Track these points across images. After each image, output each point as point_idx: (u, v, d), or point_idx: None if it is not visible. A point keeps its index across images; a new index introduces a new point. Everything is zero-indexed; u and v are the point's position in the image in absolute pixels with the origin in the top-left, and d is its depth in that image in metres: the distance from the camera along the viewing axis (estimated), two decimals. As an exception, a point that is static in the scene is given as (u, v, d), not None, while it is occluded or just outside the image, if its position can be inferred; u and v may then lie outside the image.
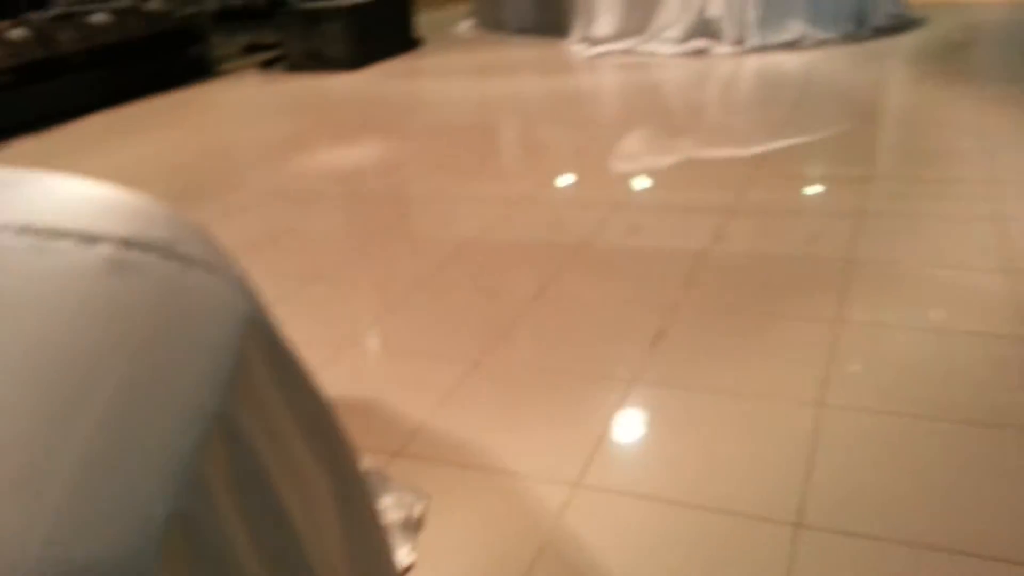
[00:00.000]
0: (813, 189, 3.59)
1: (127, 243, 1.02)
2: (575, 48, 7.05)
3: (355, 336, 2.66)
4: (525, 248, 3.20)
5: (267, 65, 7.74)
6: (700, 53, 6.28)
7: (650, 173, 4.00)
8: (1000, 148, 3.70)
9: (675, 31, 6.43)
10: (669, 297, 2.66)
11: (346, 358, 2.50)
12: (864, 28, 6.32)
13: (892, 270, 2.71)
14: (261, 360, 1.11)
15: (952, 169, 3.55)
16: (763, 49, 6.13)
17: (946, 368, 2.14)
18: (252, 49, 8.67)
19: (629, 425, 2.06)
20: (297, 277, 3.11)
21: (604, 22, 6.95)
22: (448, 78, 6.84)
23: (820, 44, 6.13)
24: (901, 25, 6.46)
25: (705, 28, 6.33)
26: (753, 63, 5.94)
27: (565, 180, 4.04)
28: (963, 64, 5.61)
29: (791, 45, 6.14)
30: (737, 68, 5.92)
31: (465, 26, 9.05)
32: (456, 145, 4.76)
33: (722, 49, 6.22)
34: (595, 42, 6.93)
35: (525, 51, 7.53)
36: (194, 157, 5.05)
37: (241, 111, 6.41)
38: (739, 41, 6.22)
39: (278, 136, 5.40)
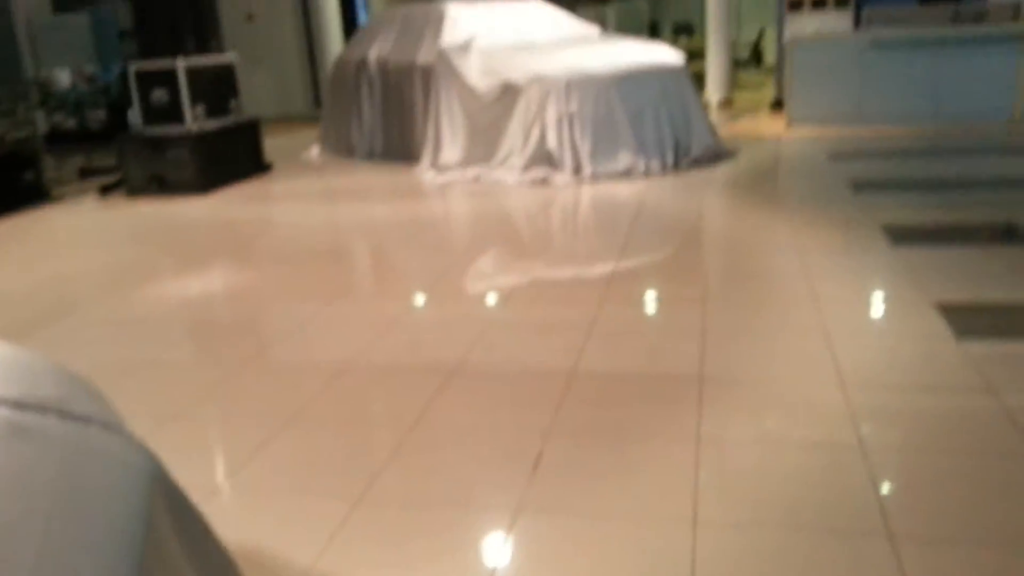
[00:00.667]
0: (657, 309, 3.85)
1: (20, 405, 0.99)
2: (424, 174, 7.28)
3: (229, 477, 2.55)
4: (393, 374, 3.21)
5: (106, 190, 7.47)
6: (542, 181, 6.65)
7: (506, 294, 4.15)
8: (814, 267, 4.12)
9: (518, 160, 6.80)
10: (541, 420, 2.74)
11: (222, 502, 2.39)
12: (685, 159, 6.93)
13: (739, 387, 2.92)
14: (166, 518, 1.08)
15: (777, 289, 3.92)
16: (598, 178, 6.58)
17: (802, 478, 2.32)
18: (88, 173, 8.36)
19: (516, 557, 2.08)
20: (151, 416, 2.96)
21: (451, 150, 7.26)
22: (299, 203, 6.86)
23: (648, 174, 6.65)
24: (716, 157, 7.13)
25: (545, 158, 6.73)
26: (590, 191, 6.36)
27: (424, 304, 4.11)
28: (774, 191, 6.25)
29: (623, 174, 6.63)
30: (577, 195, 6.30)
31: (315, 151, 9.15)
32: (311, 271, 4.75)
33: (562, 178, 6.63)
34: (443, 169, 7.20)
35: (375, 177, 7.69)
36: (28, 288, 4.75)
37: (80, 238, 6.12)
38: (577, 170, 6.65)
39: (120, 264, 5.18)
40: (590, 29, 8.40)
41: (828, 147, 7.28)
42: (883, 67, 7.89)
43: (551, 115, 6.72)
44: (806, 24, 9.03)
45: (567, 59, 6.96)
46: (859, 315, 3.56)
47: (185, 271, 4.97)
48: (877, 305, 3.67)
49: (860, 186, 5.77)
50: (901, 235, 4.53)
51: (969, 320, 3.34)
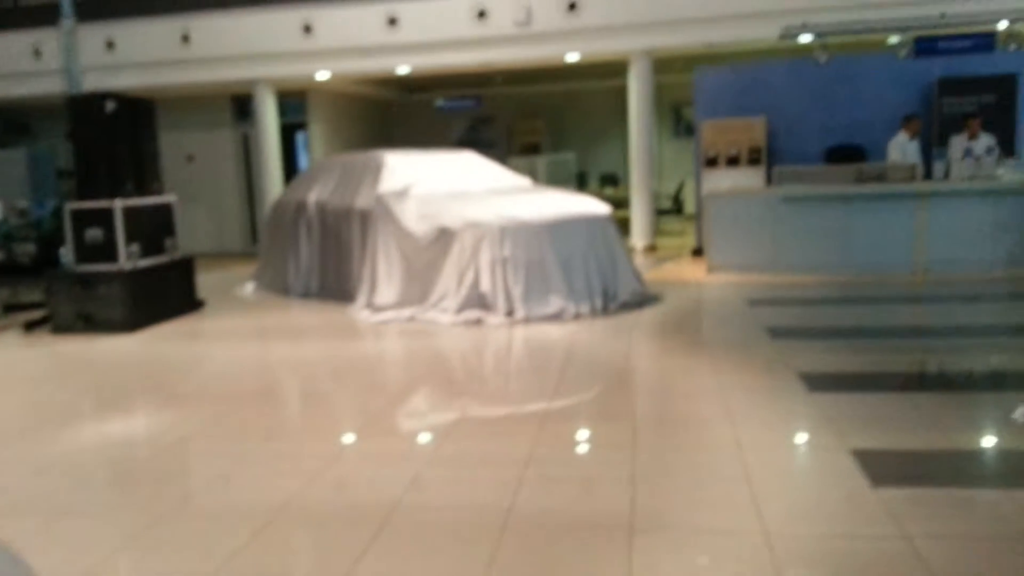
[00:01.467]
0: (589, 452, 3.89)
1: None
2: (359, 314, 7.33)
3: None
4: (324, 522, 3.14)
5: (31, 326, 7.28)
6: (476, 322, 6.77)
7: (440, 434, 4.15)
8: (737, 412, 4.24)
9: (452, 302, 6.92)
10: (481, 567, 2.70)
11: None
12: (612, 303, 7.16)
13: (668, 532, 2.95)
14: None
15: (702, 434, 4.01)
16: (530, 320, 6.73)
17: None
18: (13, 308, 8.15)
19: None
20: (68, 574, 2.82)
21: (387, 291, 7.35)
22: (231, 341, 6.79)
23: (578, 317, 6.84)
24: (642, 301, 7.39)
25: (479, 300, 6.87)
26: (522, 333, 6.48)
27: (357, 444, 4.06)
28: (697, 335, 6.47)
29: (554, 317, 6.80)
30: (509, 337, 6.41)
31: (249, 288, 9.14)
32: (240, 412, 4.67)
33: (495, 319, 6.75)
34: (378, 309, 7.26)
35: (310, 315, 7.70)
36: (-60, 429, 4.53)
37: (1, 376, 5.91)
38: (509, 312, 6.80)
39: (40, 404, 5.00)
40: (522, 180, 8.79)
41: (747, 293, 7.62)
42: (795, 220, 8.41)
43: (485, 259, 6.91)
44: (721, 179, 9.64)
45: (501, 207, 7.25)
46: (780, 461, 3.65)
47: (108, 412, 4.82)
48: (797, 451, 3.79)
49: (777, 332, 6.03)
50: (817, 381, 4.72)
51: (883, 466, 3.47)
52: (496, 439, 4.09)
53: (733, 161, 9.98)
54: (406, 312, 7.12)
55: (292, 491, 3.44)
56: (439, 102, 14.27)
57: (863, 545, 2.81)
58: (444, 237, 7.09)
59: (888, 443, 3.74)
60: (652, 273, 9.05)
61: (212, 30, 11.85)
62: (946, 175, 8.51)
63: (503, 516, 3.13)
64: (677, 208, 13.65)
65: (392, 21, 11.25)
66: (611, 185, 15.38)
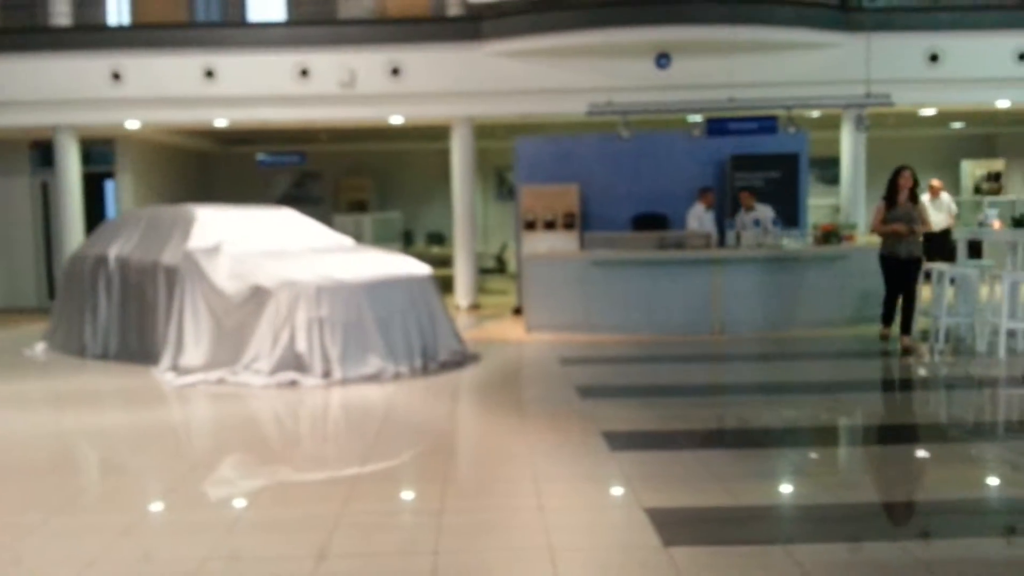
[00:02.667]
0: (394, 522, 3.78)
1: None
2: (163, 376, 6.86)
3: None
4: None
5: None
6: (291, 384, 6.51)
7: (244, 502, 3.92)
8: (542, 476, 4.29)
9: (265, 363, 6.63)
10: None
11: None
12: (432, 363, 7.13)
13: (465, 604, 2.91)
14: None
15: (507, 499, 4.01)
16: (348, 381, 6.56)
17: None
18: None
19: None
20: None
21: (194, 352, 6.94)
22: (16, 408, 6.15)
23: (397, 377, 6.75)
24: (462, 360, 7.42)
25: (295, 361, 6.63)
26: (340, 395, 6.30)
27: (156, 515, 3.75)
28: (510, 395, 6.54)
29: (373, 378, 6.67)
30: (326, 399, 6.21)
31: (40, 348, 8.36)
32: (27, 485, 4.20)
33: (311, 381, 6.53)
34: (185, 371, 6.84)
35: (108, 378, 7.13)
36: None
37: None
38: (326, 374, 6.60)
39: None
40: (343, 239, 8.66)
41: (561, 352, 7.83)
42: (605, 283, 8.79)
43: (301, 319, 6.70)
44: (539, 242, 9.95)
45: (318, 266, 7.08)
46: (579, 524, 3.70)
47: None
48: (595, 513, 3.85)
49: (586, 391, 6.21)
50: (619, 440, 4.88)
51: (675, 524, 3.60)
52: (301, 506, 3.91)
53: (550, 225, 10.33)
54: (215, 374, 6.75)
55: (82, 566, 3.10)
56: (260, 156, 13.89)
57: (652, 605, 2.88)
58: (258, 296, 6.81)
59: (680, 501, 3.89)
60: (474, 332, 9.13)
61: (10, 72, 10.97)
62: (737, 243, 9.22)
63: (299, 596, 2.97)
64: (500, 268, 13.94)
65: (209, 73, 10.89)
66: (437, 244, 15.50)
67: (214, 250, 7.31)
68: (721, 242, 9.41)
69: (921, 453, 4.74)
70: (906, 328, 7.55)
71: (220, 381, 6.69)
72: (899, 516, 3.72)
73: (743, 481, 4.19)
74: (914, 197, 7.59)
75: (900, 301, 7.65)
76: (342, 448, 5.12)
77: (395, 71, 10.80)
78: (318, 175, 16.36)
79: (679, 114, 10.79)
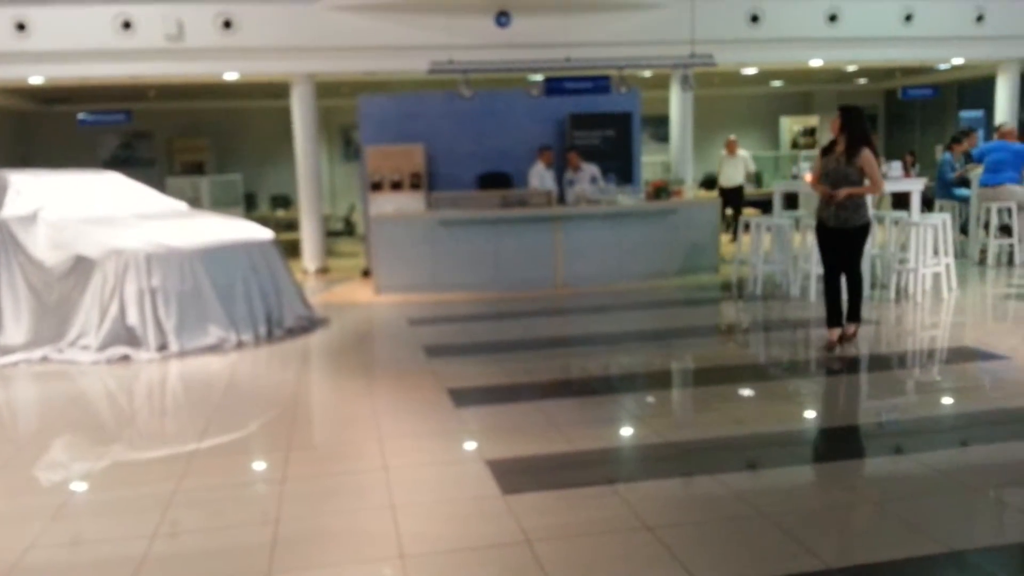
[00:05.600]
0: (234, 491, 3.68)
1: None
2: (-22, 358, 6.31)
3: None
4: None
5: None
6: (124, 360, 6.16)
7: (72, 483, 3.71)
8: (388, 435, 4.31)
9: (93, 339, 6.23)
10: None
11: None
12: (278, 330, 6.93)
13: (306, 573, 2.89)
14: None
15: (352, 460, 4.00)
16: (186, 354, 6.27)
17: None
18: None
19: None
20: None
21: (14, 331, 6.41)
22: None
23: (240, 347, 6.51)
24: (309, 326, 7.25)
25: (126, 335, 6.26)
26: (177, 368, 6.02)
27: (-42, 521, 3.47)
28: (358, 358, 6.48)
29: (213, 349, 6.41)
30: (162, 373, 5.92)
31: None
32: None
33: (145, 355, 6.20)
34: (4, 351, 6.31)
35: (-88, 363, 6.47)
36: None
37: None
38: (162, 347, 6.28)
39: None
40: (176, 204, 8.18)
41: (409, 313, 7.81)
42: (451, 242, 8.80)
43: (131, 290, 6.32)
44: (386, 203, 9.80)
45: (148, 233, 6.67)
46: (422, 481, 3.74)
47: None
48: (438, 469, 3.91)
49: (433, 350, 6.24)
50: (464, 396, 4.95)
51: (515, 474, 3.71)
52: (135, 486, 3.75)
53: (397, 185, 10.20)
54: (38, 352, 6.27)
55: None
56: (81, 116, 12.83)
57: (490, 555, 2.97)
58: (82, 267, 6.36)
59: (520, 451, 4.01)
60: (322, 296, 8.94)
61: None
62: (561, 200, 9.45)
63: (135, 568, 2.85)
64: (349, 230, 13.66)
65: (21, 26, 9.89)
66: (283, 207, 14.97)
67: (30, 218, 6.71)
68: (561, 199, 9.61)
69: (742, 391, 5.09)
70: (852, 315, 5.93)
71: (44, 360, 6.23)
72: (719, 451, 3.99)
73: (580, 428, 4.37)
74: (856, 145, 5.69)
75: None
76: (180, 423, 4.92)
77: (227, 24, 10.20)
78: (149, 135, 15.35)
79: (518, 73, 10.84)
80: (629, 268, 9.05)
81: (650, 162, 12.81)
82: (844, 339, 5.85)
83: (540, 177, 9.68)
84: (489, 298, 8.46)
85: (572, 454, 3.99)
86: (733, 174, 12.57)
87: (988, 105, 12.80)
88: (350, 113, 12.67)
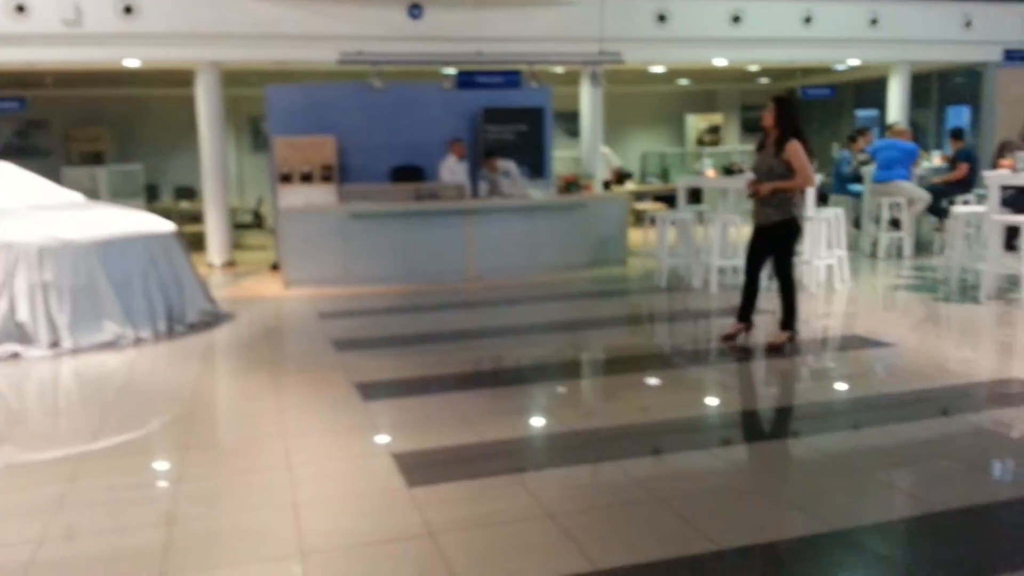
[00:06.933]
0: (127, 492, 3.54)
1: None
2: None
3: None
4: None
5: None
6: (13, 357, 5.84)
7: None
8: (292, 431, 4.22)
9: (-20, 336, 5.89)
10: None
11: None
12: (179, 326, 6.68)
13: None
14: None
15: (254, 458, 3.90)
16: (81, 351, 5.99)
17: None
18: None
19: None
20: None
21: None
22: None
23: (138, 343, 6.26)
24: (213, 321, 7.03)
25: (16, 332, 5.94)
26: (71, 365, 5.75)
27: None
28: (264, 353, 6.31)
29: (109, 345, 6.14)
30: (55, 371, 5.64)
31: None
32: None
33: (36, 352, 5.89)
34: None
35: None
36: None
37: None
38: (54, 344, 5.98)
39: None
40: (72, 195, 7.79)
41: (320, 307, 7.67)
42: (363, 236, 8.68)
43: (21, 285, 6.00)
44: (296, 195, 9.59)
45: (40, 225, 6.34)
46: (327, 476, 3.68)
47: None
48: (343, 464, 3.84)
49: (342, 344, 6.14)
50: (373, 390, 4.89)
51: (421, 467, 3.69)
52: (22, 489, 3.56)
53: (307, 177, 9.99)
54: (-82, 351, 5.89)
55: None
56: (-30, 102, 12.10)
57: (393, 548, 2.95)
58: (-34, 261, 5.99)
59: (427, 443, 3.99)
60: (228, 290, 8.68)
61: None
62: (488, 195, 9.46)
63: (23, 567, 2.72)
64: (258, 222, 13.30)
65: (-102, 5, 9.25)
66: (187, 198, 14.43)
67: (-92, 210, 6.30)
68: (474, 192, 9.60)
69: (645, 380, 5.20)
70: (782, 322, 5.67)
71: (-76, 358, 5.86)
72: (622, 439, 4.06)
73: (488, 419, 4.37)
74: (784, 138, 5.45)
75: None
76: (73, 422, 4.69)
77: (128, 9, 9.77)
78: (45, 124, 14.57)
79: (431, 66, 10.77)
80: (540, 261, 9.11)
81: (562, 157, 12.91)
82: (775, 347, 5.58)
83: (452, 170, 9.64)
84: (401, 291, 8.38)
85: (480, 445, 3.99)
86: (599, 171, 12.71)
87: (881, 105, 13.42)
88: (260, 103, 12.34)
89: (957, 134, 10.70)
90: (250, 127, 15.45)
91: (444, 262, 8.84)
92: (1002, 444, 4.01)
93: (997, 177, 7.33)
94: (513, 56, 10.35)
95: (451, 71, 10.91)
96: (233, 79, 11.23)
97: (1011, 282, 7.07)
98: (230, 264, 10.77)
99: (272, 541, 3.01)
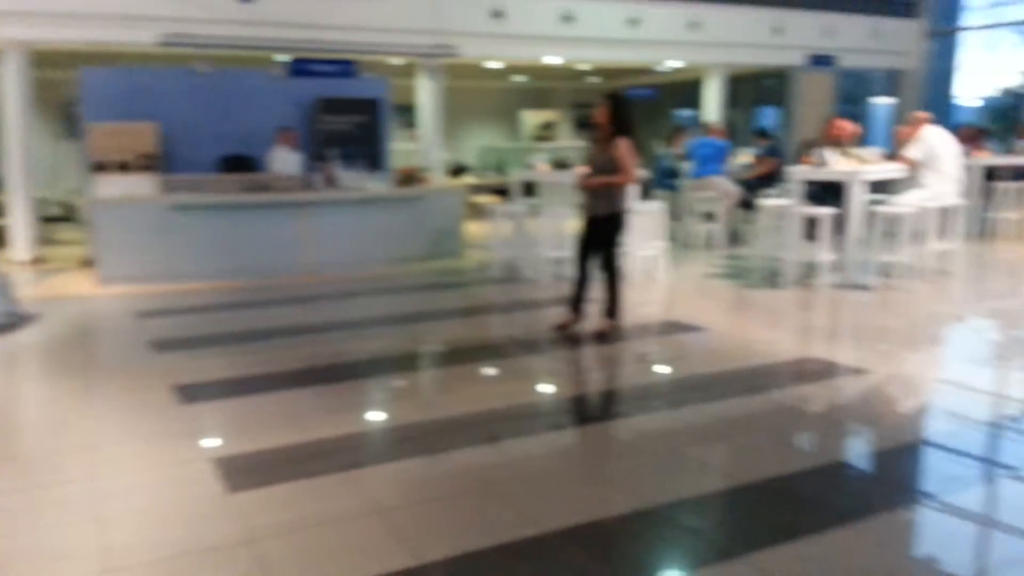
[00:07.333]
0: (-95, 520, 3.16)
1: None
2: None
3: None
4: None
5: None
6: None
7: None
8: (101, 442, 3.90)
9: None
10: None
11: None
12: (-24, 328, 6.05)
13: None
14: None
15: (58, 472, 3.57)
16: None
17: None
18: None
19: None
20: None
21: None
22: None
23: (-76, 348, 5.60)
24: (16, 323, 6.40)
25: None
26: None
27: None
28: (72, 357, 5.80)
29: None
30: None
31: None
32: None
33: None
34: None
35: None
36: None
37: None
38: None
39: None
40: None
41: (138, 305, 7.16)
42: (188, 229, 8.19)
43: None
44: (113, 186, 8.89)
45: None
46: (138, 487, 3.44)
47: None
48: (156, 473, 3.60)
49: (163, 345, 5.77)
50: (193, 392, 4.62)
51: (243, 471, 3.52)
52: None
53: (125, 167, 9.29)
54: None
55: None
56: None
57: (209, 558, 2.79)
58: None
59: (250, 446, 3.82)
60: (34, 290, 7.93)
61: None
62: (323, 186, 9.18)
63: None
64: (70, 215, 12.26)
65: None
66: (-10, 189, 13.08)
67: None
68: (309, 184, 9.29)
69: (477, 371, 5.23)
70: (607, 310, 5.90)
71: None
72: (454, 430, 4.06)
73: (320, 417, 4.25)
74: (615, 135, 5.65)
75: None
76: None
77: (-87, -20, 8.70)
78: None
79: (262, 52, 10.30)
80: (376, 254, 8.96)
81: (404, 149, 12.75)
82: (601, 335, 5.77)
83: (283, 161, 9.28)
84: (229, 287, 7.98)
85: (309, 444, 3.86)
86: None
87: (699, 105, 14.20)
88: (73, 86, 11.37)
89: (762, 133, 11.56)
90: (64, 113, 14.20)
91: (276, 256, 8.51)
92: (803, 418, 4.35)
93: (800, 173, 7.94)
94: (349, 45, 10.10)
95: (284, 58, 10.49)
96: (44, 60, 10.25)
97: (811, 269, 7.69)
98: (38, 260, 9.85)
99: (74, 560, 2.78)
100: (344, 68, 9.96)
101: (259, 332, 6.26)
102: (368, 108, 10.57)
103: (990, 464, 3.71)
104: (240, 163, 9.76)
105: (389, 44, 10.60)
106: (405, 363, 5.59)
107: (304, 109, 10.31)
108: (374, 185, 9.19)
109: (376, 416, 4.41)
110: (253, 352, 5.65)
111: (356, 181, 9.09)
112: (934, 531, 3.10)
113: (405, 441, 3.97)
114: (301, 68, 9.84)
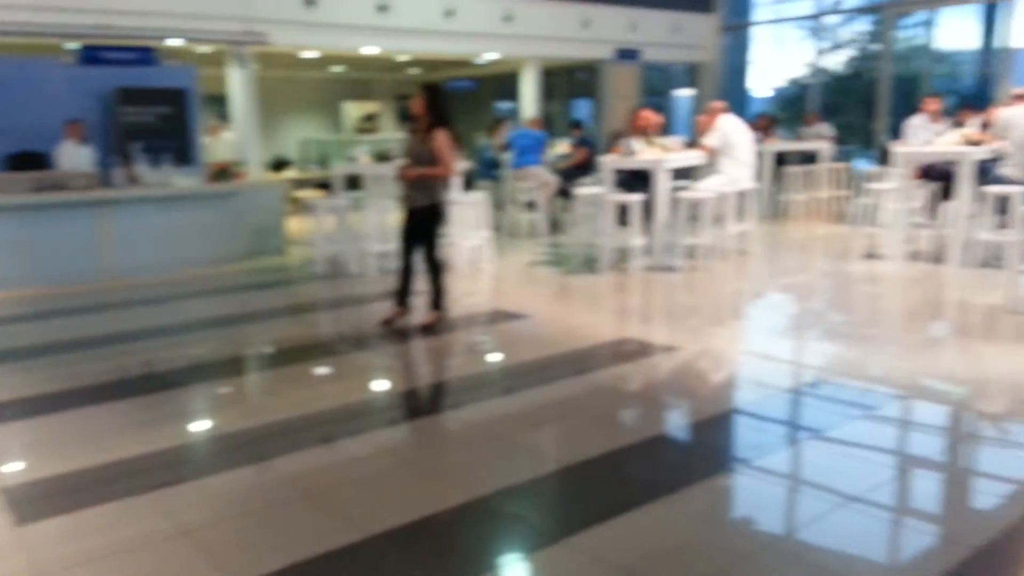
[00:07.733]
0: None
1: None
2: None
3: None
4: None
5: None
6: None
7: None
8: None
9: None
10: None
11: None
12: None
13: None
14: None
15: None
16: None
17: None
18: None
19: None
20: None
21: None
22: None
23: None
24: None
25: None
26: None
27: None
28: None
29: None
30: None
31: None
32: None
33: None
34: None
35: None
36: None
37: None
38: None
39: None
40: None
41: (-90, 322, 6.31)
42: (-32, 233, 7.30)
43: None
44: None
45: None
46: (-92, 527, 3.01)
47: None
48: (-68, 509, 3.18)
49: (-62, 365, 5.11)
50: (-24, 417, 4.11)
51: (34, 500, 3.17)
52: None
53: None
54: None
55: None
56: None
57: (-9, 602, 2.48)
58: None
59: (44, 471, 3.45)
60: None
61: None
62: (129, 183, 8.48)
63: None
64: None
65: None
66: None
67: None
68: (108, 182, 8.54)
69: (302, 371, 5.01)
70: (435, 302, 5.86)
71: None
72: (270, 438, 3.86)
73: (126, 433, 3.91)
74: (433, 126, 5.62)
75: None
76: None
77: None
78: None
79: (48, 39, 9.34)
80: (190, 254, 8.40)
81: (223, 143, 11.97)
82: (428, 327, 5.75)
83: (70, 155, 8.47)
84: (21, 296, 7.21)
85: (112, 464, 3.54)
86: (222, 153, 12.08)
87: (517, 97, 14.43)
88: None
89: (575, 124, 11.95)
90: None
91: (77, 260, 7.77)
92: (623, 397, 4.51)
93: (610, 162, 8.24)
94: (146, 31, 9.36)
95: (74, 45, 9.56)
96: None
97: (624, 254, 8.01)
98: None
99: None
100: (143, 56, 9.23)
101: (60, 344, 5.69)
102: (174, 98, 9.86)
103: (794, 428, 4.00)
104: (30, 160, 8.80)
105: (193, 30, 9.94)
106: (226, 368, 5.27)
107: (103, 100, 9.46)
108: (183, 181, 8.60)
109: (195, 427, 4.11)
110: (53, 366, 5.12)
111: (163, 177, 8.47)
112: (747, 495, 3.30)
113: (226, 452, 3.73)
114: (93, 56, 9.01)
